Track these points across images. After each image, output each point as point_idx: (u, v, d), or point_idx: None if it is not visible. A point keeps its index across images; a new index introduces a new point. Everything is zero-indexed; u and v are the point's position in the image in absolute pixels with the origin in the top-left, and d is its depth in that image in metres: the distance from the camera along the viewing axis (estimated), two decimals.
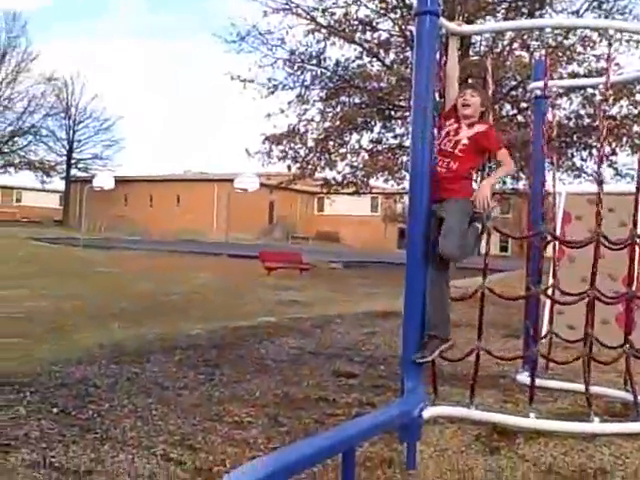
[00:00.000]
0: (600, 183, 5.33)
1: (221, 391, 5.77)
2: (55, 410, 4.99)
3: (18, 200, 69.35)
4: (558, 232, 8.45)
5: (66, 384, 5.76)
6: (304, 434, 4.50)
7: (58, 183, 65.31)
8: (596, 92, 21.34)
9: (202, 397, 5.56)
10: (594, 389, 5.38)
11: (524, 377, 6.06)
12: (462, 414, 4.86)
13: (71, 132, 63.00)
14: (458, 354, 5.09)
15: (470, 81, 21.35)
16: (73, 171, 63.21)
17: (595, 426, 4.73)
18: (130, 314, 11.02)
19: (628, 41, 19.65)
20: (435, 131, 4.96)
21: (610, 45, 5.32)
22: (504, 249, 46.55)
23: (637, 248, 5.70)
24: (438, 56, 5.03)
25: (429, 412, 4.55)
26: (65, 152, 62.81)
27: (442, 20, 4.87)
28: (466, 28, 6.04)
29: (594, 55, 21.00)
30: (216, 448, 4.30)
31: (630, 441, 4.63)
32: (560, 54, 20.86)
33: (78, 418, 4.84)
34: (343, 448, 2.83)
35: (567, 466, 4.16)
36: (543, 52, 20.81)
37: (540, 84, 6.38)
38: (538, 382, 5.67)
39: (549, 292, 6.06)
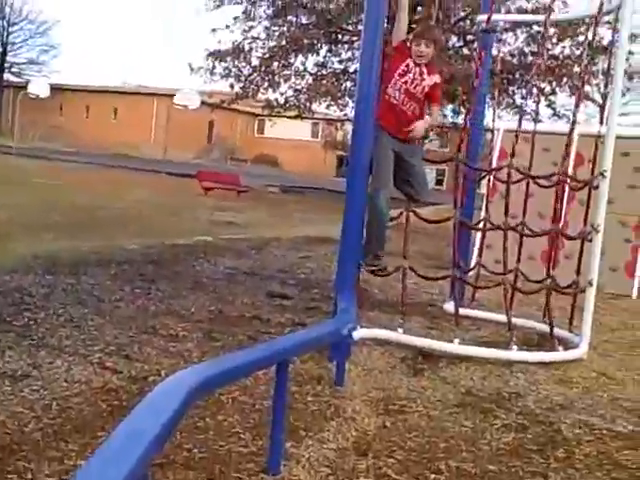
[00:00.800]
0: (534, 120, 5.61)
1: (157, 305, 5.87)
2: None
3: None
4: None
5: (0, 292, 5.76)
6: (238, 349, 4.65)
7: None
8: (541, 29, 21.52)
9: (138, 310, 5.65)
10: (515, 320, 5.68)
11: (451, 306, 6.31)
12: (390, 337, 5.09)
13: (5, 33, 60.17)
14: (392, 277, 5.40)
15: (419, 9, 21.32)
16: (6, 75, 60.56)
17: (513, 354, 5.02)
18: (65, 226, 10.92)
19: None
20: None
21: None
22: (440, 182, 47.15)
23: (566, 187, 5.97)
24: None
25: (359, 333, 4.75)
26: None
27: None
28: None
29: None
30: (151, 359, 4.42)
31: (544, 369, 4.94)
32: None
33: (13, 325, 4.87)
34: (277, 360, 2.97)
35: (485, 389, 4.43)
36: None
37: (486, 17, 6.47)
38: (464, 311, 5.96)
39: (480, 225, 6.30)
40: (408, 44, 5.24)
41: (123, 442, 1.81)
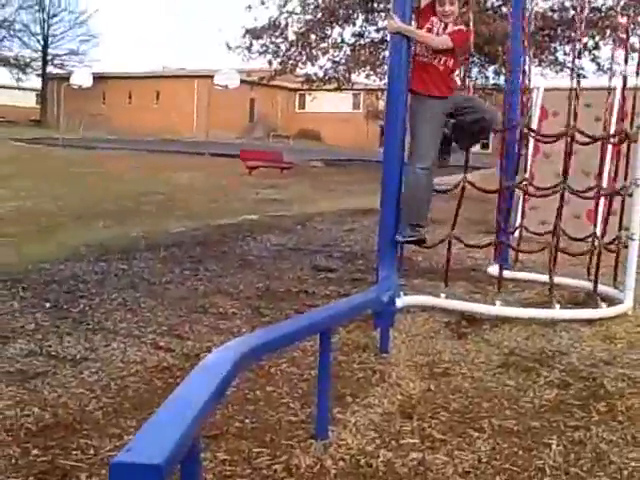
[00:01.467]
0: (577, 76, 5.49)
1: (206, 285, 6.04)
2: (48, 305, 5.24)
3: None
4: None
5: (56, 280, 6.00)
6: None
7: (34, 81, 63.75)
8: None
9: (188, 291, 5.83)
10: (560, 280, 5.70)
11: (494, 269, 6.36)
12: (433, 303, 5.17)
13: (46, 26, 60.81)
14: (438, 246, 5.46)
15: None
16: (49, 68, 61.39)
17: (554, 312, 5.05)
18: (113, 213, 11.18)
19: None
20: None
21: None
22: (485, 146, 46.53)
23: (609, 145, 5.90)
24: None
25: (403, 301, 4.84)
26: (40, 47, 60.88)
27: None
28: None
29: None
30: (203, 337, 4.59)
31: (588, 326, 4.97)
32: None
33: (70, 311, 5.10)
34: (320, 328, 3.09)
35: (528, 349, 4.50)
36: None
37: None
38: (507, 274, 5.99)
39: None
40: (435, 6, 5.14)
41: (175, 408, 1.94)
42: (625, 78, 5.75)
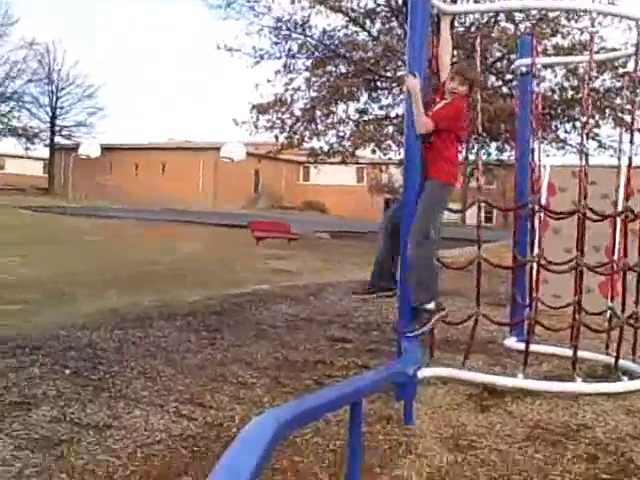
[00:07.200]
0: (585, 157, 5.61)
1: (223, 354, 6.05)
2: (67, 371, 5.25)
3: (1, 167, 68.86)
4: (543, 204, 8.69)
5: (75, 347, 6.01)
6: (306, 393, 4.78)
7: (42, 151, 64.74)
8: (580, 65, 21.60)
9: (206, 359, 5.84)
10: (580, 354, 5.70)
11: (512, 342, 6.39)
12: (455, 375, 5.17)
13: (54, 98, 61.94)
14: (456, 319, 5.52)
15: (455, 54, 21.62)
16: (57, 138, 62.42)
17: (578, 386, 5.05)
18: (124, 282, 11.24)
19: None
20: None
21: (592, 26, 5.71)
22: (489, 219, 46.96)
23: (619, 221, 6.00)
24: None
25: (424, 373, 4.84)
26: (49, 119, 62.01)
27: (434, 0, 5.07)
28: (457, 8, 6.25)
29: (578, 28, 21.16)
30: (224, 405, 4.59)
31: (610, 400, 4.95)
32: (544, 26, 21.02)
33: (90, 379, 5.10)
34: (352, 399, 3.10)
35: (552, 422, 4.48)
36: (528, 24, 21.02)
37: (526, 61, 6.52)
38: (524, 346, 5.98)
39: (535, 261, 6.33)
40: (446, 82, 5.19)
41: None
42: (631, 159, 5.86)
